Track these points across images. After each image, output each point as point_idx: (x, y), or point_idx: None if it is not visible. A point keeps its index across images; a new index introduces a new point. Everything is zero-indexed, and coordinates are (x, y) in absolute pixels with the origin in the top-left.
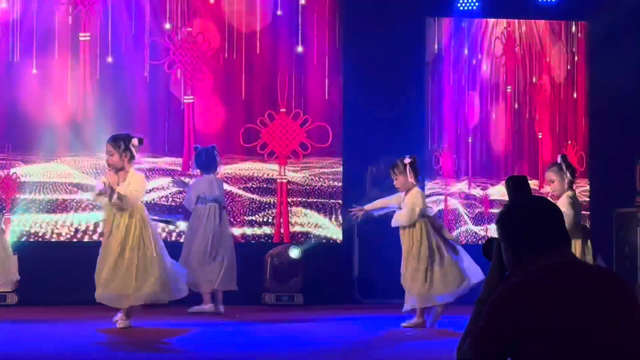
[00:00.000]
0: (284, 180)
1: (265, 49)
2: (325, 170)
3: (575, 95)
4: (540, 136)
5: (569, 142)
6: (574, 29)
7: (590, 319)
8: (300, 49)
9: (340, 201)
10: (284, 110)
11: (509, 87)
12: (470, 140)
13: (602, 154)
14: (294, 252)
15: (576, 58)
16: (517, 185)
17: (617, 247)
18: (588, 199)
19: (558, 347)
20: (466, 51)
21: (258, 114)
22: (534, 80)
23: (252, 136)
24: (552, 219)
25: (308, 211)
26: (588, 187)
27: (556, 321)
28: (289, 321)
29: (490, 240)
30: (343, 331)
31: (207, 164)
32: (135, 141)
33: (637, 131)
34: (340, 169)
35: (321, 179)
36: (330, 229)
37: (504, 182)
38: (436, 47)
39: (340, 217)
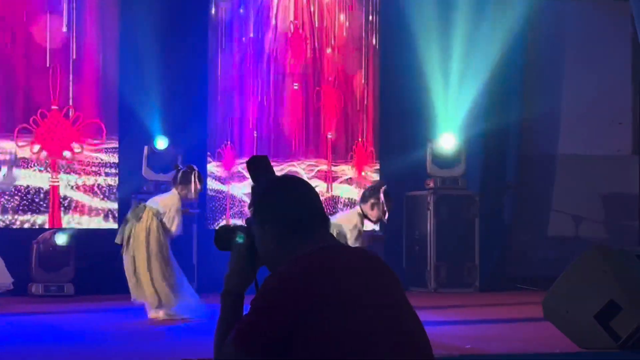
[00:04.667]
0: (56, 184)
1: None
2: (101, 151)
3: (364, 82)
4: (330, 136)
5: (360, 139)
6: (370, 17)
7: (364, 303)
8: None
9: (116, 184)
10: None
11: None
12: (255, 133)
13: (393, 138)
14: (61, 238)
15: (369, 43)
16: (261, 166)
17: (407, 231)
18: None
19: (335, 335)
20: (252, 26)
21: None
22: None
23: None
24: (314, 198)
25: (82, 195)
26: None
27: (334, 307)
28: (56, 313)
29: (227, 228)
30: (115, 322)
31: None
32: None
33: (426, 114)
34: (117, 146)
35: (97, 160)
36: (106, 215)
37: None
38: (219, 24)
39: (115, 203)
